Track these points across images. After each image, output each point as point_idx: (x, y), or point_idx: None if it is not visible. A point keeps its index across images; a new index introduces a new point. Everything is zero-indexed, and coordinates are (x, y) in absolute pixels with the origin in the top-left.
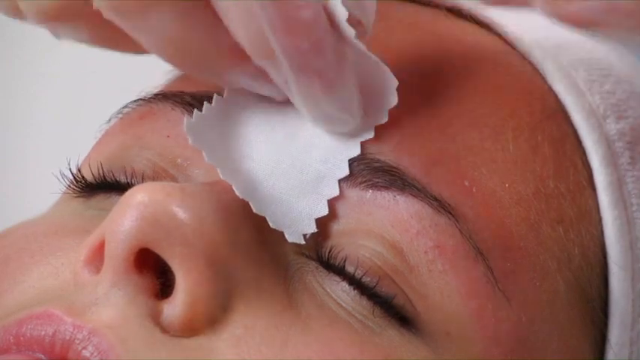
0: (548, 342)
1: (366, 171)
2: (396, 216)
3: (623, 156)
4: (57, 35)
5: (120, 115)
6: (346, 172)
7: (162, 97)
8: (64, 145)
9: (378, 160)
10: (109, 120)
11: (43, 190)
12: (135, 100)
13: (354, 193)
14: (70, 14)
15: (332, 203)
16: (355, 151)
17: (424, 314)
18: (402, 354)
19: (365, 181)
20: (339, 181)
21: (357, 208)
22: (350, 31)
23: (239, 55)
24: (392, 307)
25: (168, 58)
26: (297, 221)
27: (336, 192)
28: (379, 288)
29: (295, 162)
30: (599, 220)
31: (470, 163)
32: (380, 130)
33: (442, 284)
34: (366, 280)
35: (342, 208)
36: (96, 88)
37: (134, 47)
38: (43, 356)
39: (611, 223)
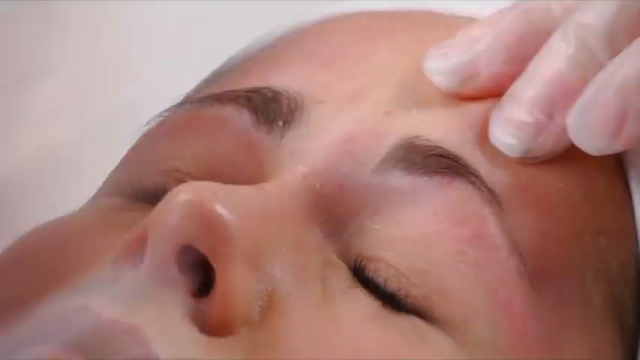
0: (575, 350)
1: (427, 157)
2: (443, 203)
3: None
4: None
5: (161, 118)
6: None
7: (211, 98)
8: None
9: (441, 147)
10: (148, 122)
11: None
12: (179, 103)
13: (407, 180)
14: None
15: (380, 194)
16: None
17: (443, 308)
18: (431, 348)
19: (423, 167)
20: (397, 167)
21: (405, 198)
22: None
23: None
24: (420, 311)
25: None
26: None
27: None
28: (409, 298)
29: None
30: (635, 235)
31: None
32: (446, 122)
33: (472, 275)
34: (393, 287)
35: (390, 199)
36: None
37: None
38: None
39: None
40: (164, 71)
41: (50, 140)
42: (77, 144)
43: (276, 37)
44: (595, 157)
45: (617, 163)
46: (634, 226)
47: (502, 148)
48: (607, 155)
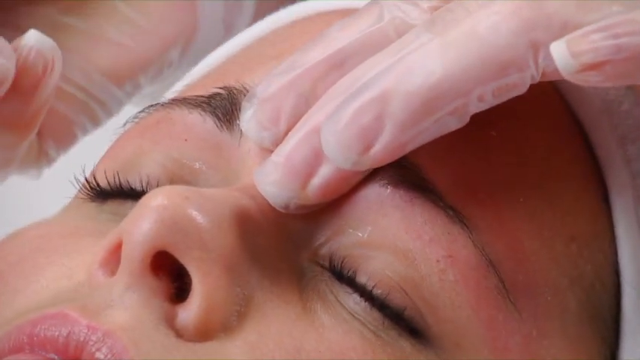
0: (556, 357)
1: (387, 167)
2: (410, 220)
3: (639, 177)
4: None
5: (136, 120)
6: None
7: (179, 101)
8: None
9: (405, 158)
10: (125, 124)
11: (53, 194)
12: (151, 105)
13: (372, 191)
14: None
15: (350, 202)
16: None
17: (435, 326)
18: None
19: (385, 177)
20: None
21: (374, 207)
22: None
23: None
24: (402, 319)
25: None
26: None
27: None
28: (389, 300)
29: None
30: (613, 239)
31: (487, 176)
32: None
33: (453, 295)
34: (376, 292)
35: (359, 207)
36: None
37: None
38: (56, 357)
39: (625, 243)
40: None
41: None
42: None
43: (254, 36)
44: (558, 166)
45: (593, 169)
46: (611, 229)
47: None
48: (576, 162)
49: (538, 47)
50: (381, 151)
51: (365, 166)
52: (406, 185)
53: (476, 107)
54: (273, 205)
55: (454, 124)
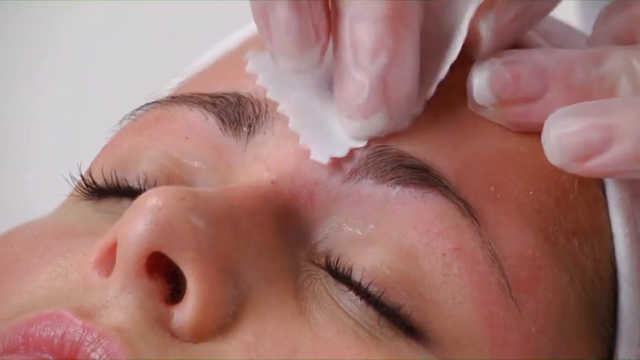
0: (555, 355)
1: (397, 168)
2: (420, 214)
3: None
4: None
5: (133, 117)
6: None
7: (179, 99)
8: (66, 145)
9: (411, 158)
10: (121, 122)
11: (47, 192)
12: (149, 103)
13: (380, 189)
14: None
15: (352, 201)
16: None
17: (434, 322)
18: None
19: (394, 178)
20: (367, 177)
21: (379, 206)
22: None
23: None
24: (398, 317)
25: None
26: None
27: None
28: (385, 298)
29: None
30: (611, 236)
31: (499, 168)
32: (415, 130)
33: (456, 289)
34: (372, 289)
35: (364, 206)
36: (100, 88)
37: None
38: (51, 357)
39: (622, 239)
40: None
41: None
42: None
43: (250, 35)
44: None
45: None
46: (608, 222)
47: None
48: None
49: None
50: (596, 167)
51: (571, 171)
52: (416, 183)
53: None
54: None
55: None
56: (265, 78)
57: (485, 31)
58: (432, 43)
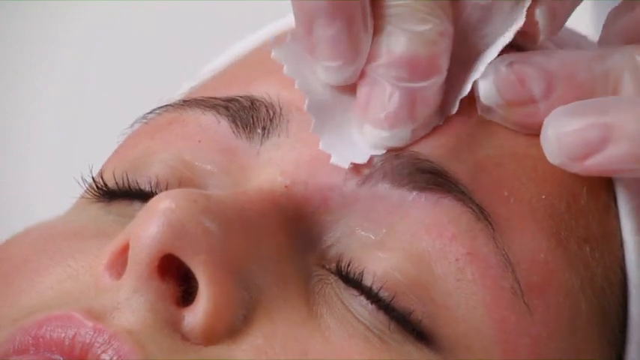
0: (563, 359)
1: (413, 172)
2: (434, 219)
3: None
4: None
5: (145, 121)
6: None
7: (192, 102)
8: (66, 146)
9: (427, 161)
10: (133, 125)
11: (47, 192)
12: (162, 106)
13: (396, 193)
14: None
15: (367, 205)
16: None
17: (445, 327)
18: None
19: (411, 182)
20: (383, 181)
21: (394, 210)
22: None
23: None
24: (409, 323)
25: None
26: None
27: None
28: (396, 303)
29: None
30: (622, 243)
31: (512, 171)
32: (429, 133)
33: (469, 294)
34: (383, 294)
35: (378, 210)
36: (100, 88)
37: None
38: (61, 358)
39: (632, 247)
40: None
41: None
42: None
43: (262, 40)
44: None
45: None
46: (618, 229)
47: None
48: None
49: None
50: (595, 166)
51: (571, 170)
52: (432, 187)
53: None
54: None
55: None
56: (290, 69)
57: (541, 17)
58: (456, 62)
